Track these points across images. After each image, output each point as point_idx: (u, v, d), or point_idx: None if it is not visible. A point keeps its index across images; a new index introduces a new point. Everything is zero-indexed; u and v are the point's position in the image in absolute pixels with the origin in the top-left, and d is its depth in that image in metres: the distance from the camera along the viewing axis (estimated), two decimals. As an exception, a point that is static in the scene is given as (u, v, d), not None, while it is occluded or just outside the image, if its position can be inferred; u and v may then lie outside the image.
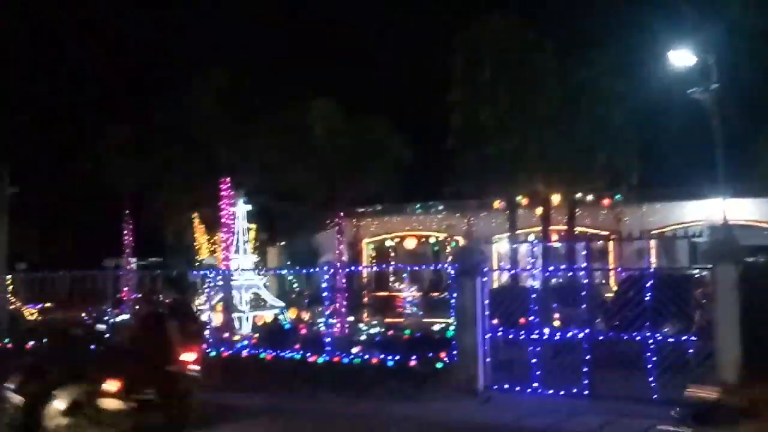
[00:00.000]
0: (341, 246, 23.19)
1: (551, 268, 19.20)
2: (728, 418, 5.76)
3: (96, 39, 36.87)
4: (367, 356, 12.86)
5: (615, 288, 19.58)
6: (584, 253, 23.70)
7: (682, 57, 19.37)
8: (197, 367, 10.01)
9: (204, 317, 16.26)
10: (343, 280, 20.97)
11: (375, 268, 29.73)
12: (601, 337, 12.10)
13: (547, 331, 12.38)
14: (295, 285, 26.51)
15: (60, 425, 9.03)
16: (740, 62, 19.59)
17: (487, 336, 12.27)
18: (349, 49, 35.78)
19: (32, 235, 31.97)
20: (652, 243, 26.83)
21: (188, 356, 9.98)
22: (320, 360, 13.12)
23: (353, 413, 11.60)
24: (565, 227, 24.09)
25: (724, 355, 10.46)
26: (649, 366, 11.16)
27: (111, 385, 9.17)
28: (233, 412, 11.97)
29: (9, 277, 18.70)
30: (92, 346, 12.63)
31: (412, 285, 26.99)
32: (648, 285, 11.53)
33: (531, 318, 12.23)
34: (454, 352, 12.24)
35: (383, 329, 16.93)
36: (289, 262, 29.53)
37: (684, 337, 11.62)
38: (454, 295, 12.54)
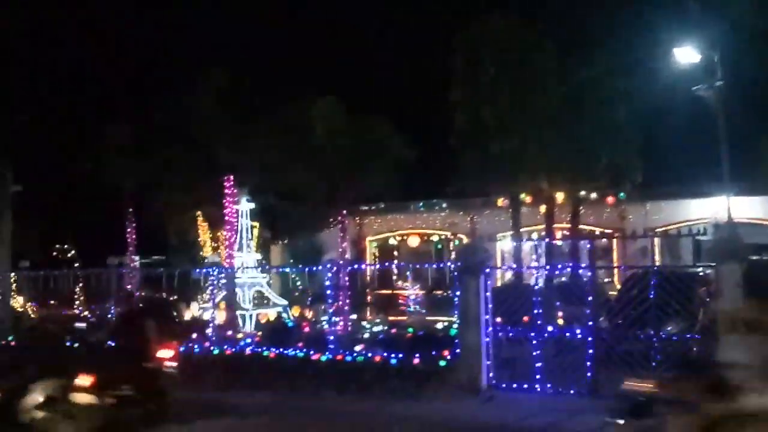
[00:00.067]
0: (344, 244, 23.19)
1: (555, 266, 19.16)
2: (661, 410, 5.85)
3: (97, 39, 36.89)
4: (370, 354, 12.85)
5: (619, 286, 19.53)
6: (588, 250, 23.66)
7: (686, 54, 19.31)
8: (174, 364, 10.30)
9: (207, 315, 16.29)
10: (346, 278, 20.92)
11: (378, 266, 29.69)
12: (604, 336, 12.06)
13: (550, 329, 12.34)
14: (299, 283, 26.51)
15: (35, 419, 9.14)
16: (745, 59, 19.50)
17: (490, 334, 12.24)
18: (350, 49, 35.78)
19: (35, 233, 32.03)
20: (656, 241, 26.76)
21: (165, 353, 10.28)
22: (323, 358, 13.11)
23: (356, 412, 11.59)
24: (569, 225, 24.04)
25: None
26: (653, 364, 11.12)
27: (84, 380, 9.28)
28: (234, 409, 11.98)
29: (12, 275, 18.75)
30: (71, 343, 12.90)
31: (416, 283, 26.96)
32: (652, 283, 11.50)
33: (534, 316, 12.20)
34: (457, 351, 12.21)
35: (386, 327, 16.92)
36: (292, 260, 29.53)
37: (687, 336, 11.58)
38: (458, 293, 12.52)
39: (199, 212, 25.94)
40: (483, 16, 21.01)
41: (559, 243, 24.82)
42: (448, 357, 12.26)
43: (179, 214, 24.74)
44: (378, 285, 29.62)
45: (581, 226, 24.69)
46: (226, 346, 14.37)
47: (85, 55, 37.03)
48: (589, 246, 23.93)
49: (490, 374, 12.15)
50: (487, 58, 20.40)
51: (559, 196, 22.73)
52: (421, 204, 30.97)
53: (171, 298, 24.00)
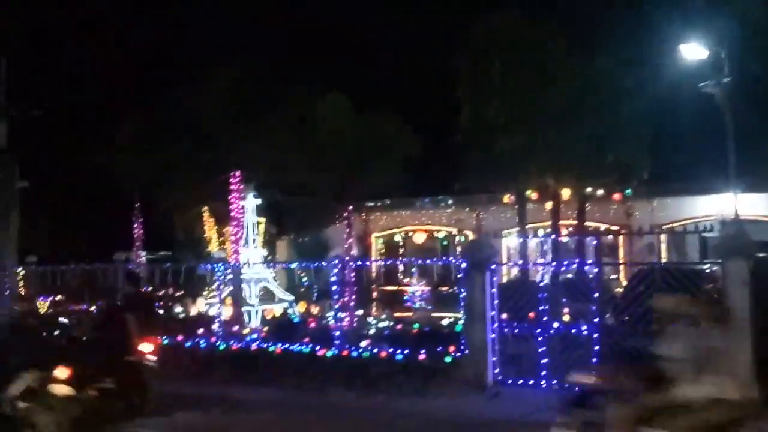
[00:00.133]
0: (350, 240, 23.20)
1: (561, 263, 19.14)
2: (602, 401, 6.03)
3: (104, 37, 37.02)
4: (375, 350, 12.87)
5: (625, 283, 19.51)
6: (594, 247, 23.60)
7: (693, 50, 19.24)
8: (155, 358, 10.65)
9: (213, 310, 16.34)
10: (352, 274, 20.97)
11: (384, 263, 29.71)
12: (610, 332, 12.04)
13: (556, 325, 12.34)
14: (305, 279, 26.55)
15: (16, 409, 9.33)
16: (752, 56, 19.42)
17: (496, 330, 12.24)
18: (358, 45, 35.75)
19: (42, 228, 32.15)
20: (663, 238, 26.71)
21: (146, 347, 10.62)
22: (329, 354, 13.14)
23: (361, 407, 11.62)
24: (575, 222, 24.01)
25: (735, 350, 10.40)
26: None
27: (61, 373, 9.50)
28: (240, 405, 12.01)
29: (20, 270, 18.82)
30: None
31: (421, 279, 26.96)
32: (658, 280, 11.48)
33: (540, 313, 12.20)
34: (463, 347, 12.22)
35: (392, 323, 16.94)
36: (298, 256, 29.57)
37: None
38: (463, 289, 12.52)
39: (205, 208, 25.99)
40: (490, 13, 20.98)
41: (565, 239, 24.79)
42: (454, 353, 12.26)
43: (186, 210, 24.80)
44: (384, 281, 29.65)
45: (587, 223, 24.65)
46: (232, 342, 14.41)
47: (91, 52, 37.16)
48: (595, 243, 23.88)
49: (496, 370, 12.16)
50: (493, 55, 20.36)
51: (565, 193, 22.69)
52: (427, 200, 30.97)
53: (178, 293, 24.10)
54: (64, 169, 30.34)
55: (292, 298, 21.39)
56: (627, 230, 27.18)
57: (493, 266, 12.59)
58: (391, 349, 12.74)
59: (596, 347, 11.61)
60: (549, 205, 23.12)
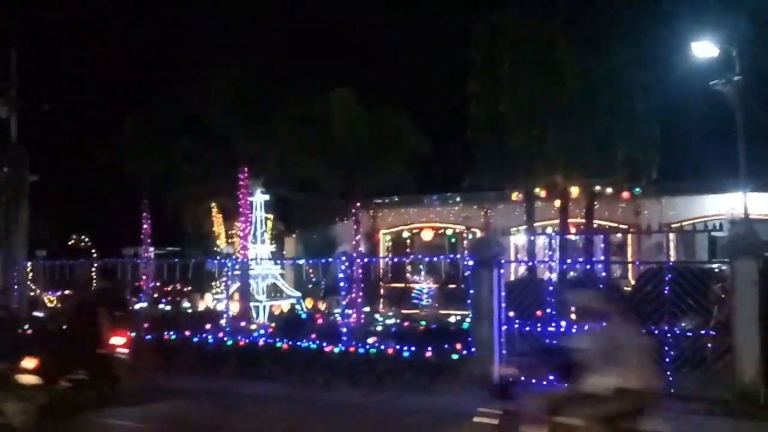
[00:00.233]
0: (358, 237, 23.20)
1: (569, 261, 19.08)
2: (521, 392, 6.38)
3: (113, 35, 37.11)
4: (382, 347, 12.88)
5: (633, 282, 19.44)
6: (602, 246, 23.53)
7: (704, 48, 19.15)
8: (126, 350, 11.14)
9: (221, 306, 16.38)
10: (360, 271, 20.98)
11: (391, 260, 29.72)
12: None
13: (563, 323, 12.31)
14: (312, 275, 26.59)
15: None
16: (763, 54, 19.31)
17: (504, 328, 12.23)
18: (368, 41, 35.76)
19: (52, 222, 32.29)
20: (671, 237, 26.61)
21: (117, 340, 11.11)
22: (336, 350, 13.16)
23: (368, 404, 11.63)
24: (584, 220, 23.93)
25: (743, 351, 10.37)
26: (667, 360, 11.08)
27: (28, 363, 9.92)
28: (248, 399, 12.04)
29: (29, 264, 18.90)
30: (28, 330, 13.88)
31: (429, 277, 26.96)
32: (666, 279, 11.44)
33: (548, 311, 12.17)
34: (470, 344, 12.21)
35: (399, 320, 16.95)
36: (305, 253, 29.61)
37: (702, 332, 11.52)
38: (471, 287, 12.50)
39: (213, 204, 26.04)
40: (501, 8, 20.90)
41: (573, 238, 24.73)
42: (461, 351, 12.26)
43: (194, 206, 24.84)
44: (391, 278, 29.64)
45: (596, 221, 24.57)
46: (239, 337, 14.45)
47: (99, 50, 37.28)
48: (603, 241, 23.81)
49: (503, 368, 12.13)
50: (504, 51, 20.29)
51: (574, 191, 22.61)
52: (435, 197, 30.94)
53: (186, 289, 24.17)
54: (74, 164, 30.48)
55: (299, 294, 21.44)
56: (635, 229, 27.09)
57: (501, 264, 12.57)
58: (397, 346, 12.75)
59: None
60: (557, 203, 23.04)
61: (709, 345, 11.34)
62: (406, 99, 23.84)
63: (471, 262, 12.62)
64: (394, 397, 11.80)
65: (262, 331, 15.24)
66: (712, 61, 19.18)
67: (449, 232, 31.25)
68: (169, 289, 24.71)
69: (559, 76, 19.78)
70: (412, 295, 25.69)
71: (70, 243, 33.14)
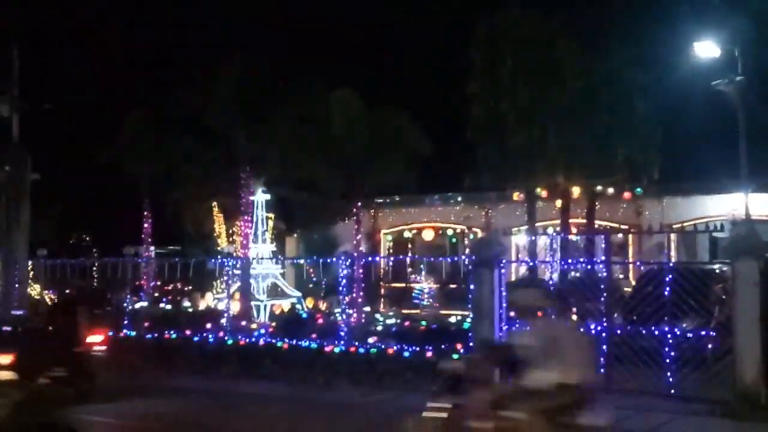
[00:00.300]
0: (359, 236, 23.19)
1: (570, 261, 19.07)
2: (468, 387, 6.52)
3: (115, 34, 37.13)
4: (383, 347, 12.88)
5: (634, 282, 19.43)
6: (603, 246, 23.46)
7: (706, 48, 19.11)
8: (103, 348, 11.57)
9: (222, 305, 16.38)
10: (360, 271, 20.97)
11: (392, 259, 29.71)
12: (618, 331, 12.01)
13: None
14: (313, 275, 26.58)
15: None
16: (766, 54, 19.28)
17: (504, 328, 12.22)
18: (369, 40, 35.76)
19: (53, 222, 32.31)
20: (672, 237, 26.58)
21: (95, 338, 11.54)
22: (336, 350, 13.16)
23: (368, 403, 11.62)
24: (585, 220, 23.92)
25: (744, 351, 10.36)
26: (667, 361, 11.07)
27: (4, 359, 10.28)
28: (248, 398, 12.04)
29: (30, 263, 18.90)
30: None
31: (429, 276, 26.93)
32: (667, 279, 11.43)
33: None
34: (470, 344, 12.20)
35: (400, 320, 16.96)
36: (306, 252, 29.60)
37: (703, 333, 11.51)
38: (471, 287, 12.50)
39: (214, 203, 26.05)
40: (502, 7, 20.89)
41: (574, 238, 24.71)
42: (461, 350, 12.25)
43: (195, 205, 24.84)
44: (392, 278, 29.62)
45: (597, 222, 24.54)
46: (240, 336, 14.45)
47: (101, 49, 37.30)
48: (604, 241, 23.76)
49: (503, 368, 12.12)
50: (505, 51, 20.28)
51: (575, 191, 22.61)
52: (436, 197, 30.91)
53: (186, 288, 24.17)
54: (75, 163, 30.51)
55: (300, 293, 21.43)
56: (637, 229, 27.07)
57: (502, 264, 12.57)
58: (398, 346, 12.75)
59: (604, 346, 11.58)
60: (558, 203, 23.03)
61: (710, 346, 11.33)
62: (407, 99, 23.85)
63: (472, 262, 12.61)
64: (395, 396, 11.79)
65: (262, 331, 15.25)
66: (714, 61, 19.15)
67: (450, 232, 31.22)
68: (170, 288, 24.72)
69: (560, 76, 19.78)
70: (413, 294, 25.67)
71: (70, 242, 33.18)
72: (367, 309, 20.47)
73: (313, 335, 13.84)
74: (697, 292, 11.38)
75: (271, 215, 23.05)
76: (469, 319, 12.97)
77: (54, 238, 32.00)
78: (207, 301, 22.31)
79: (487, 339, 11.14)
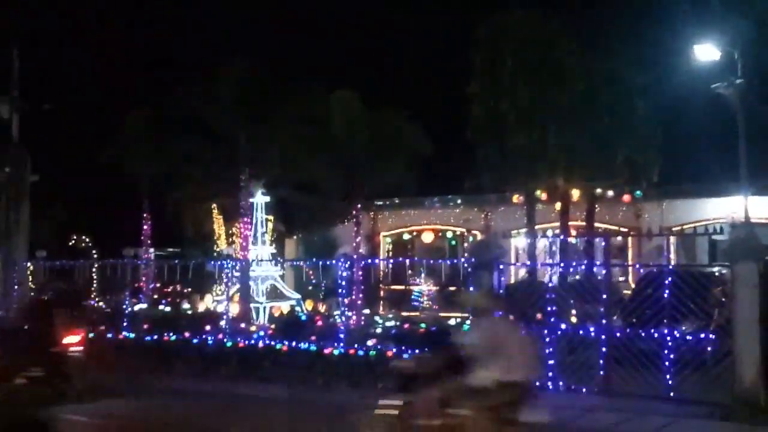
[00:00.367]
0: (358, 239, 23.19)
1: (569, 264, 19.05)
2: (419, 384, 6.75)
3: (115, 33, 37.12)
4: (382, 349, 12.86)
5: (633, 285, 19.42)
6: (603, 249, 23.46)
7: (706, 51, 19.12)
8: (80, 348, 11.73)
9: (221, 307, 16.37)
10: (360, 273, 20.97)
11: (392, 262, 29.70)
12: (618, 334, 12.00)
13: (563, 326, 12.29)
14: (312, 277, 26.56)
15: None
16: (766, 57, 19.29)
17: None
18: (369, 41, 35.75)
19: (52, 223, 32.29)
20: (672, 240, 26.58)
21: (72, 339, 11.70)
22: (336, 352, 13.15)
23: (367, 405, 11.58)
24: (584, 223, 23.92)
25: (743, 354, 10.36)
26: (666, 363, 11.07)
27: None
28: (247, 400, 12.03)
29: (29, 264, 18.89)
30: None
31: (429, 279, 26.92)
32: (667, 282, 11.43)
33: (547, 314, 12.16)
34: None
35: (399, 322, 16.94)
36: (306, 254, 29.59)
37: (702, 335, 11.51)
38: (471, 289, 12.48)
39: (214, 205, 26.04)
40: (502, 8, 20.90)
41: (573, 240, 24.70)
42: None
43: (194, 206, 24.84)
44: (391, 280, 29.61)
45: (596, 224, 24.55)
46: (239, 339, 14.44)
47: (101, 49, 37.30)
48: (603, 244, 23.77)
49: (503, 371, 12.10)
50: (507, 50, 20.28)
51: (575, 194, 22.61)
52: (435, 200, 30.92)
53: (186, 290, 24.14)
54: (75, 164, 30.48)
55: (299, 296, 21.42)
56: (636, 232, 27.07)
57: (501, 266, 12.57)
58: (397, 349, 12.73)
59: (603, 349, 11.57)
60: (558, 205, 23.04)
61: (709, 348, 11.32)
62: (407, 100, 23.84)
63: (471, 265, 12.61)
64: (394, 398, 11.76)
65: (261, 333, 15.23)
66: (714, 64, 19.15)
67: (449, 234, 31.22)
68: (169, 290, 24.68)
69: (560, 77, 19.79)
70: (412, 297, 25.66)
71: (70, 243, 33.14)
72: (367, 311, 20.46)
73: (313, 337, 13.82)
74: (696, 294, 11.39)
75: (271, 217, 23.05)
76: (468, 322, 12.95)
77: (53, 240, 31.97)
78: (206, 303, 22.30)
79: (437, 338, 11.42)
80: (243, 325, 16.17)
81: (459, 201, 30.33)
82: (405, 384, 6.95)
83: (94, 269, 18.39)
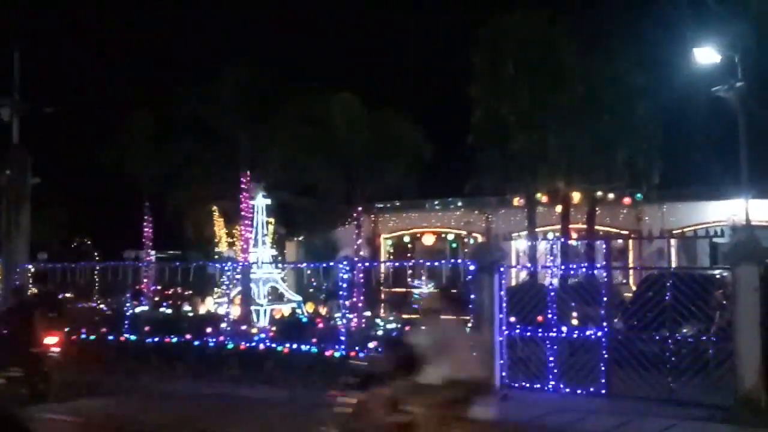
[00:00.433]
0: (359, 241, 23.20)
1: (570, 267, 19.05)
2: (375, 382, 6.90)
3: (117, 35, 37.14)
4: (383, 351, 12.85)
5: (634, 287, 19.42)
6: (604, 251, 23.46)
7: (706, 54, 19.15)
8: (58, 349, 11.87)
9: (222, 309, 16.38)
10: (361, 276, 20.97)
11: (392, 264, 29.70)
12: (619, 337, 12.00)
13: (565, 329, 12.29)
14: (313, 279, 26.55)
15: None
16: (766, 60, 19.31)
17: (505, 333, 12.22)
18: (370, 43, 35.80)
19: (53, 225, 32.28)
20: (673, 243, 26.59)
21: (51, 340, 11.86)
22: (336, 354, 13.14)
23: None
24: (585, 226, 23.93)
25: (744, 356, 10.35)
26: (668, 366, 11.07)
27: None
28: (245, 401, 12.02)
29: (30, 267, 18.89)
30: None
31: (430, 281, 26.89)
32: (668, 285, 11.43)
33: (549, 316, 12.16)
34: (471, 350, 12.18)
35: (400, 325, 16.93)
36: (306, 257, 29.59)
37: (703, 338, 11.51)
38: (472, 292, 12.49)
39: (215, 208, 26.05)
40: (503, 11, 20.93)
41: (574, 243, 24.71)
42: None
43: (195, 209, 24.85)
44: (392, 283, 29.61)
45: (597, 227, 24.56)
46: (240, 341, 14.43)
47: (105, 49, 37.35)
48: (604, 247, 23.77)
49: (504, 374, 12.13)
50: (506, 53, 20.31)
51: (576, 196, 22.63)
52: (436, 202, 30.93)
53: (187, 293, 24.12)
54: (76, 167, 30.50)
55: (300, 298, 21.41)
56: (637, 234, 27.08)
57: (502, 269, 12.56)
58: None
59: (605, 351, 11.57)
60: (559, 208, 23.05)
61: (710, 351, 11.32)
62: (408, 102, 23.87)
63: (472, 268, 12.61)
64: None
65: (262, 335, 15.23)
66: (715, 67, 19.19)
67: (450, 237, 31.24)
68: (170, 292, 24.69)
69: (561, 79, 19.82)
70: (413, 299, 25.63)
71: (71, 246, 33.15)
72: (368, 314, 20.46)
73: (314, 340, 13.82)
74: (697, 297, 11.38)
75: (272, 220, 23.05)
76: (469, 325, 12.96)
77: (55, 242, 31.97)
78: (207, 306, 22.29)
79: (390, 338, 11.69)
80: (244, 328, 16.16)
81: (460, 203, 30.36)
82: (359, 382, 7.12)
83: (95, 271, 18.42)
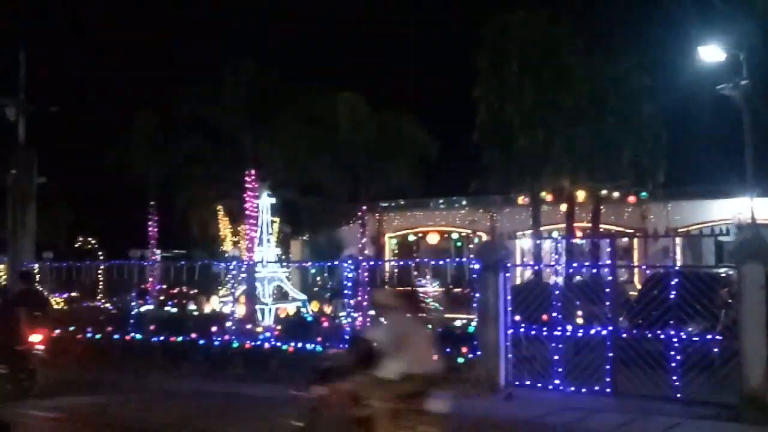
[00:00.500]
0: (364, 240, 23.22)
1: (575, 265, 19.03)
2: (336, 377, 7.10)
3: (122, 35, 37.22)
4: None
5: (639, 286, 19.40)
6: (609, 250, 23.44)
7: (711, 53, 19.12)
8: (43, 347, 12.01)
9: (227, 308, 16.42)
10: (365, 274, 20.96)
11: (397, 263, 29.70)
12: (624, 335, 11.99)
13: (569, 328, 12.29)
14: (318, 278, 26.58)
15: None
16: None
17: (510, 332, 12.21)
18: (376, 44, 35.80)
19: (59, 224, 32.38)
20: (678, 241, 26.55)
21: (35, 338, 11.97)
22: (342, 353, 13.15)
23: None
24: (590, 224, 23.92)
25: (750, 354, 10.34)
26: (673, 365, 11.06)
27: None
28: (249, 400, 12.06)
29: (36, 266, 18.96)
30: None
31: (435, 280, 26.91)
32: (673, 283, 11.41)
33: (554, 315, 12.15)
34: (476, 348, 12.20)
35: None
36: (311, 256, 29.62)
37: (709, 337, 11.49)
38: (477, 290, 12.49)
39: (220, 207, 26.09)
40: (508, 11, 20.91)
41: (579, 242, 24.68)
42: (467, 354, 12.25)
43: (200, 208, 24.89)
44: (397, 282, 29.62)
45: (602, 226, 24.55)
46: (245, 340, 14.46)
47: (111, 49, 37.44)
48: (609, 245, 23.75)
49: (509, 372, 12.13)
50: (513, 53, 20.31)
51: (580, 195, 22.60)
52: (441, 201, 30.93)
53: (192, 291, 24.17)
54: (82, 166, 30.59)
55: (305, 297, 21.43)
56: (642, 233, 27.05)
57: (507, 268, 12.56)
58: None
59: (610, 350, 11.56)
60: (564, 207, 23.05)
61: (716, 349, 11.30)
62: (413, 102, 23.91)
63: (477, 266, 12.61)
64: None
65: (267, 334, 15.25)
66: (720, 66, 19.15)
67: (455, 235, 31.24)
68: (175, 291, 24.74)
69: (565, 79, 19.82)
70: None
71: (76, 245, 33.24)
72: (372, 312, 20.46)
73: (318, 339, 13.84)
74: (702, 295, 11.36)
75: (277, 219, 23.07)
76: (474, 323, 12.96)
77: (60, 241, 32.07)
78: (212, 305, 22.34)
79: (354, 334, 11.99)
80: (249, 326, 16.19)
81: (464, 202, 30.37)
82: (319, 378, 7.29)
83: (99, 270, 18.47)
